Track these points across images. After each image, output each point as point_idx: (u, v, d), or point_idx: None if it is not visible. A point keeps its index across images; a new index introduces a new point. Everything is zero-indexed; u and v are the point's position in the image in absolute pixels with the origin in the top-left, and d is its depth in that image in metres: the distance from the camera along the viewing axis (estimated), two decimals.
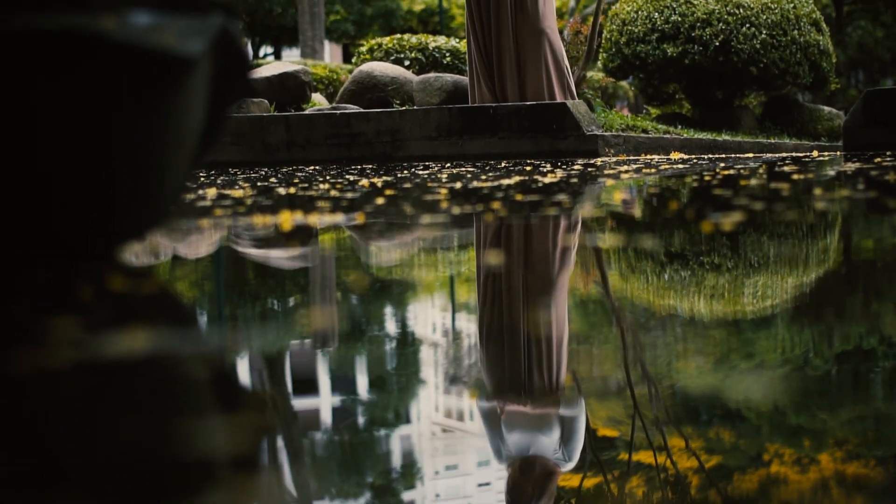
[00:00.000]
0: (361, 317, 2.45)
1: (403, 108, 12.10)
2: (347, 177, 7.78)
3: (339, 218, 4.58)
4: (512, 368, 1.92)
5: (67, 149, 2.54)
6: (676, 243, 3.53)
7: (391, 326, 2.33)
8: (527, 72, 11.28)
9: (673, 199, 5.18)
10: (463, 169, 8.47)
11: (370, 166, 10.06)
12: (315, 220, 4.50)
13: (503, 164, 9.20)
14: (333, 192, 5.97)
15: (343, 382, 1.90)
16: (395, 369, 1.96)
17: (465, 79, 12.09)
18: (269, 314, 2.52)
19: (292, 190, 6.39)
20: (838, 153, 10.29)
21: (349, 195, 5.78)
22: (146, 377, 1.64)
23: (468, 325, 2.36)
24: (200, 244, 4.07)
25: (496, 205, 4.88)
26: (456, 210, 4.72)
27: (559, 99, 11.17)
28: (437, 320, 2.42)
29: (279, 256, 3.68)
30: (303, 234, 4.08)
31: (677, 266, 3.02)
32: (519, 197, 5.27)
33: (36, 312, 2.16)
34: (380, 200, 5.40)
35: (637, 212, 4.77)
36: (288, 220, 4.45)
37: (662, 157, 10.40)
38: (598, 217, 4.42)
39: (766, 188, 5.49)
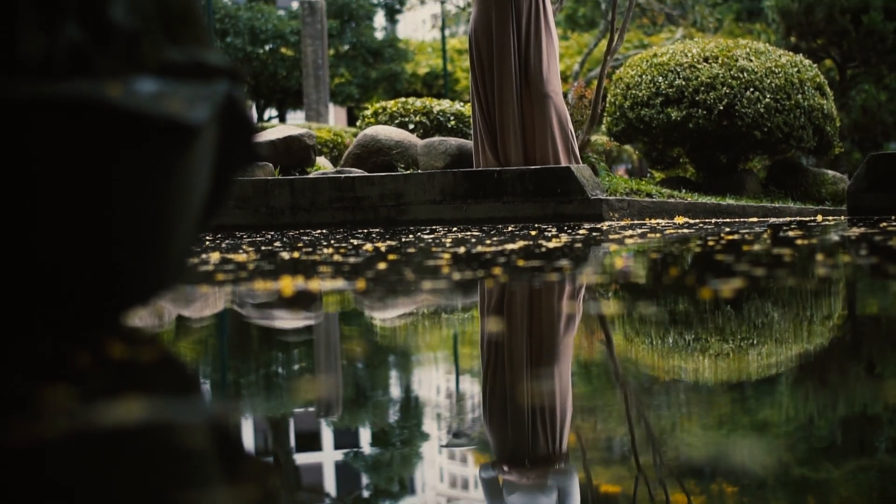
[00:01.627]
0: (359, 386, 2.44)
1: (408, 171, 12.12)
2: (352, 241, 7.79)
3: (339, 283, 4.59)
4: (513, 436, 1.91)
5: (71, 216, 2.54)
6: (682, 311, 3.52)
7: (391, 394, 2.32)
8: (532, 136, 11.29)
9: (678, 265, 5.18)
10: (468, 233, 8.48)
11: (376, 230, 10.07)
12: (316, 285, 4.50)
13: (509, 229, 9.21)
14: (337, 257, 5.98)
15: (344, 449, 1.89)
16: (398, 436, 1.95)
17: (469, 143, 12.12)
18: (267, 385, 2.51)
19: (296, 254, 6.40)
20: (842, 217, 10.30)
21: (352, 260, 5.78)
22: (144, 447, 1.63)
23: (465, 394, 2.35)
24: (198, 311, 4.07)
25: (499, 270, 4.87)
26: (457, 276, 4.71)
27: (564, 163, 11.18)
28: (436, 388, 2.41)
29: (278, 324, 3.67)
30: (302, 301, 4.08)
31: (682, 334, 3.01)
32: (521, 262, 5.26)
33: (34, 379, 2.15)
34: (382, 266, 5.40)
35: (641, 278, 4.76)
36: (289, 285, 4.45)
37: (667, 221, 10.41)
38: (602, 283, 4.42)
39: (772, 254, 5.49)
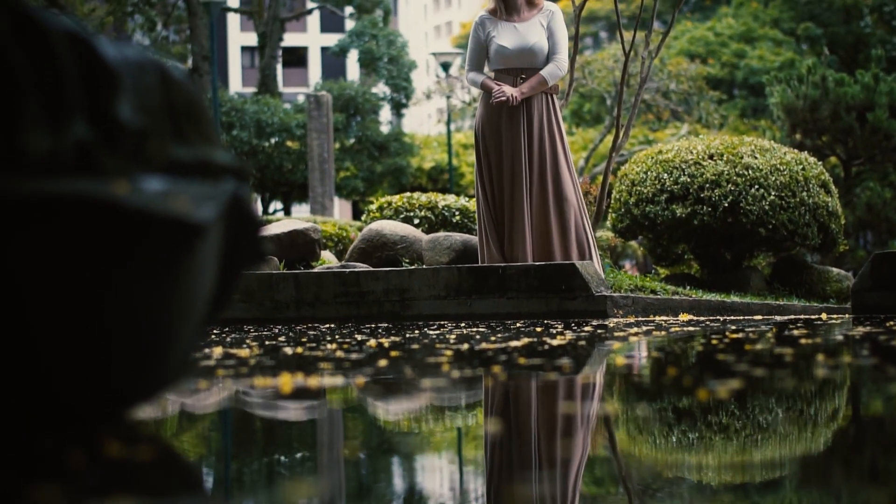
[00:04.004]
0: (354, 487, 2.42)
1: (412, 267, 12.13)
2: (356, 336, 7.79)
3: (338, 381, 4.60)
4: None
5: (74, 314, 2.54)
6: (687, 413, 3.51)
7: (389, 495, 2.30)
8: (543, 234, 11.22)
9: (684, 365, 5.16)
10: (472, 329, 8.47)
11: (381, 325, 10.06)
12: (315, 382, 4.50)
13: (514, 325, 9.20)
14: (340, 353, 5.97)
15: None
16: None
17: (474, 238, 12.11)
18: (264, 484, 2.49)
19: (300, 350, 6.39)
20: (847, 316, 10.28)
21: (354, 356, 5.78)
22: None
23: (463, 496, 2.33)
24: (200, 408, 4.06)
25: (501, 368, 4.86)
26: (462, 374, 4.70)
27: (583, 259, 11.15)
28: (434, 488, 2.39)
29: (277, 421, 3.67)
30: (303, 398, 4.08)
31: (687, 437, 2.99)
32: (525, 361, 5.25)
33: (27, 478, 2.14)
34: (383, 362, 5.40)
35: (647, 379, 4.75)
36: (290, 382, 4.45)
37: (672, 318, 10.40)
38: (607, 383, 4.40)
39: (779, 354, 5.47)
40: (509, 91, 11.12)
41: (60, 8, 33.73)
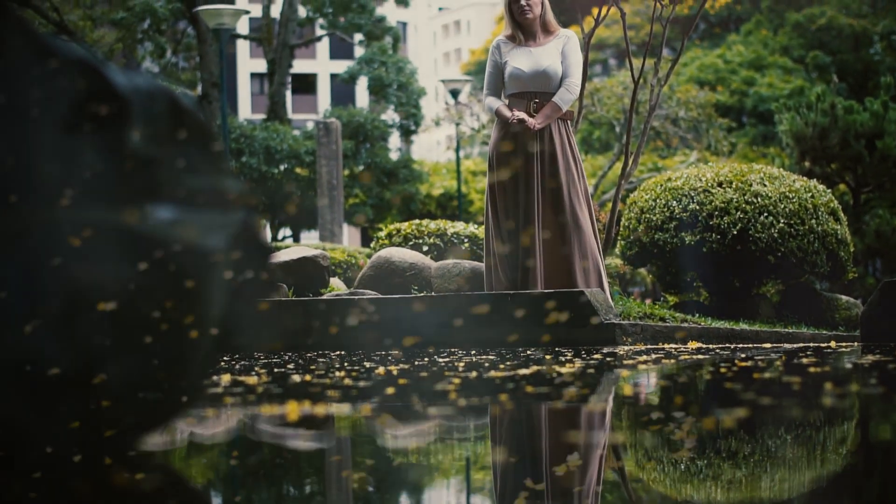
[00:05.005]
0: None
1: (421, 294, 12.12)
2: (365, 363, 7.78)
3: (346, 409, 4.60)
4: None
5: (86, 342, 2.54)
6: (696, 441, 3.50)
7: None
8: (559, 263, 11.18)
9: (694, 394, 5.15)
10: (482, 357, 8.46)
11: (389, 353, 10.04)
12: (322, 410, 4.51)
13: (525, 352, 9.19)
14: (347, 381, 5.97)
15: None
16: None
17: (483, 265, 12.07)
18: None
19: (307, 377, 6.39)
20: (857, 344, 10.26)
21: (362, 383, 5.77)
22: None
23: None
24: (208, 436, 4.07)
25: (510, 397, 4.85)
26: (464, 402, 4.70)
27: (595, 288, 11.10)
28: None
29: (281, 450, 3.66)
30: (310, 427, 4.08)
31: (695, 465, 2.98)
32: (531, 389, 5.24)
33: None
34: (391, 390, 5.40)
35: (657, 408, 4.74)
36: (295, 410, 4.45)
37: (681, 346, 10.38)
38: (616, 412, 4.39)
39: (789, 383, 5.46)
40: (528, 118, 11.10)
41: (70, 34, 33.84)
